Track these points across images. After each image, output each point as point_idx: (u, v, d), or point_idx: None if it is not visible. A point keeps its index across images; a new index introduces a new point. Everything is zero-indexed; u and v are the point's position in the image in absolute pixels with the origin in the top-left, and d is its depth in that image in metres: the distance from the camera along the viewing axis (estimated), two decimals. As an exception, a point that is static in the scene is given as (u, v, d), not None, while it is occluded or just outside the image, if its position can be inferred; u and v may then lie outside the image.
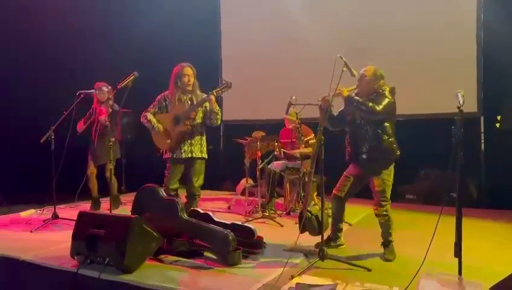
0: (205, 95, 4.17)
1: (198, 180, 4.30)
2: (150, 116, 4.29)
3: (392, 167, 3.60)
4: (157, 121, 4.29)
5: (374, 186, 3.59)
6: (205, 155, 4.34)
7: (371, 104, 3.41)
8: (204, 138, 4.37)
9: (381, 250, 3.63)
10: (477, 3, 5.72)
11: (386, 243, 3.63)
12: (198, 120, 4.27)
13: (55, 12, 7.00)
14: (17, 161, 6.65)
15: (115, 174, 5.34)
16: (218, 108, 4.19)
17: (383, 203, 3.57)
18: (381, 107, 3.42)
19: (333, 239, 3.86)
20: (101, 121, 5.21)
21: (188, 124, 4.17)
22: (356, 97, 3.47)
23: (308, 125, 5.50)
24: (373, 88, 3.54)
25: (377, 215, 3.61)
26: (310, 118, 5.46)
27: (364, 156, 3.55)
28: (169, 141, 4.23)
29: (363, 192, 3.78)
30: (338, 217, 3.85)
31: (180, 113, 4.19)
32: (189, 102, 4.26)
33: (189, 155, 4.23)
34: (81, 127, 5.34)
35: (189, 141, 4.22)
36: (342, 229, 3.90)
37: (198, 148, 4.27)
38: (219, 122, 4.28)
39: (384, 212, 3.57)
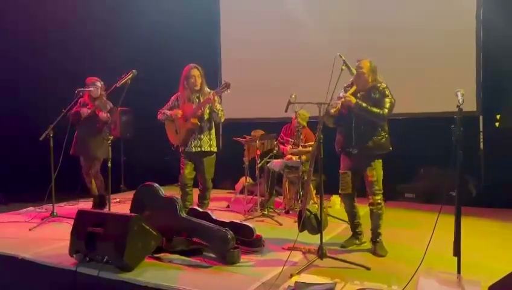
0: (212, 93, 4.45)
1: (210, 174, 4.61)
2: (165, 110, 4.60)
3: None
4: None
5: (367, 176, 3.64)
6: (214, 149, 4.62)
7: (378, 110, 3.49)
8: (213, 132, 4.64)
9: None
10: (477, 2, 5.71)
11: (375, 237, 3.66)
12: (206, 116, 4.53)
13: (54, 12, 7.00)
14: (16, 159, 6.65)
15: (105, 173, 5.27)
16: (218, 108, 4.46)
17: (377, 192, 3.63)
18: (386, 111, 3.51)
19: (355, 237, 3.86)
20: (102, 118, 5.05)
21: (195, 121, 4.43)
22: (364, 104, 3.50)
23: (307, 124, 5.52)
24: (371, 83, 3.58)
25: (371, 204, 3.65)
26: (309, 117, 5.48)
27: (357, 151, 3.60)
28: (179, 136, 4.55)
29: (361, 190, 3.78)
30: (352, 214, 3.85)
31: (188, 111, 4.48)
32: (197, 100, 4.55)
33: (198, 149, 4.51)
34: (84, 110, 5.10)
35: (198, 136, 4.50)
36: (360, 223, 3.88)
37: (207, 143, 4.54)
38: (222, 119, 4.55)
39: (379, 201, 3.63)
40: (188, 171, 4.55)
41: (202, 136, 4.51)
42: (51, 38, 7.01)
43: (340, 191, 3.82)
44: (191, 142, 4.49)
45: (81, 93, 5.06)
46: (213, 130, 4.64)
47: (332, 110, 3.53)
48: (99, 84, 5.24)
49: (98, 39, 7.19)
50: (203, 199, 4.64)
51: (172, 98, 4.66)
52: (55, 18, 6.96)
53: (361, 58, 3.62)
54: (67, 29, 7.08)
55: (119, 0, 7.43)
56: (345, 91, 3.63)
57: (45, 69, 6.97)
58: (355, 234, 3.88)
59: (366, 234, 3.86)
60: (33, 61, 6.95)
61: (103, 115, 5.07)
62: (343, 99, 3.50)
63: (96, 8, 7.27)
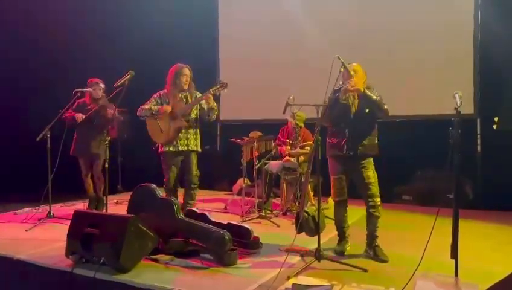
0: (200, 94, 4.51)
1: (196, 171, 4.60)
2: (147, 105, 4.51)
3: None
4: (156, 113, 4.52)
5: (363, 179, 3.55)
6: (199, 149, 4.65)
7: (385, 105, 3.50)
8: (198, 132, 4.65)
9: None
10: (475, 4, 5.73)
11: (373, 241, 3.60)
12: (193, 116, 4.56)
13: (54, 12, 6.99)
14: (13, 159, 6.62)
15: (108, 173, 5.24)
16: (215, 105, 4.46)
17: (378, 193, 3.56)
18: (387, 107, 3.51)
19: (345, 240, 3.78)
20: (109, 114, 4.98)
21: (184, 120, 4.44)
22: (373, 96, 3.49)
23: (304, 125, 5.51)
24: (362, 87, 3.53)
25: (372, 207, 3.55)
26: (306, 118, 5.47)
27: (352, 153, 3.54)
28: (165, 135, 4.48)
29: (357, 192, 3.75)
30: (343, 221, 3.76)
31: (177, 109, 4.45)
32: (184, 100, 4.53)
33: (185, 148, 4.51)
34: (78, 115, 5.05)
35: (185, 135, 4.50)
36: (348, 227, 3.82)
37: (193, 142, 4.56)
38: (214, 118, 4.57)
39: (379, 203, 3.57)
40: (173, 175, 4.54)
41: (189, 136, 4.51)
42: (51, 38, 6.99)
43: (335, 199, 3.71)
44: (177, 141, 4.46)
45: (78, 94, 5.03)
46: (199, 131, 4.64)
47: (343, 97, 3.50)
48: (102, 85, 5.20)
49: (98, 39, 7.18)
50: (189, 199, 4.60)
51: (155, 95, 4.60)
52: (55, 18, 6.95)
53: (352, 62, 3.58)
54: (67, 29, 7.06)
55: (119, 1, 7.42)
56: (335, 93, 3.59)
57: (45, 69, 6.95)
58: (345, 238, 3.79)
59: (361, 238, 3.79)
60: (33, 61, 6.93)
61: (110, 111, 5.00)
62: (351, 87, 3.43)
63: (96, 8, 7.26)
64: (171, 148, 4.48)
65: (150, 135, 4.58)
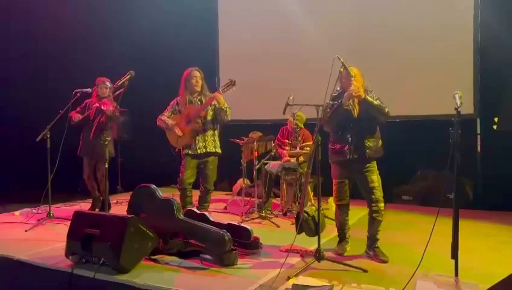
0: (216, 91, 4.45)
1: (213, 176, 4.60)
2: (165, 118, 4.55)
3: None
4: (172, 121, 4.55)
5: (367, 183, 3.54)
6: (219, 150, 4.58)
7: (383, 106, 3.48)
8: (217, 133, 4.61)
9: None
10: (474, 5, 5.72)
11: (374, 243, 3.60)
12: (209, 117, 4.51)
13: (54, 12, 6.99)
14: (13, 160, 6.63)
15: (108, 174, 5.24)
16: (225, 105, 4.42)
17: (381, 198, 3.55)
18: (388, 110, 3.49)
19: (345, 241, 3.78)
20: (107, 112, 4.96)
21: (198, 122, 4.42)
22: (374, 101, 3.48)
23: (304, 125, 5.51)
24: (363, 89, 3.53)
25: (375, 211, 3.54)
26: (306, 119, 5.48)
27: (357, 156, 3.52)
28: (183, 139, 4.48)
29: (359, 193, 3.75)
30: (344, 223, 3.77)
31: (191, 112, 4.44)
32: (199, 102, 4.53)
33: (204, 150, 4.48)
34: (76, 116, 5.07)
35: (202, 138, 4.47)
36: (349, 228, 3.83)
37: (212, 144, 4.52)
38: (229, 118, 4.48)
39: (382, 207, 3.56)
40: (187, 175, 4.48)
41: (206, 138, 4.49)
42: (51, 38, 7.00)
43: (337, 202, 3.71)
44: (195, 144, 4.45)
45: (78, 94, 5.03)
46: (217, 131, 4.62)
47: (347, 103, 3.47)
48: (108, 84, 5.19)
49: (98, 39, 7.18)
50: (203, 201, 4.61)
51: (172, 102, 4.60)
52: (55, 18, 6.96)
53: (350, 65, 3.55)
54: (68, 29, 7.07)
55: (119, 1, 7.42)
56: (333, 99, 3.59)
57: (45, 69, 6.95)
58: (345, 238, 3.79)
59: (361, 238, 3.78)
60: (33, 61, 6.94)
61: (109, 108, 4.98)
62: (354, 93, 3.41)
63: (96, 8, 7.27)
64: (190, 152, 4.47)
65: (169, 140, 4.59)
